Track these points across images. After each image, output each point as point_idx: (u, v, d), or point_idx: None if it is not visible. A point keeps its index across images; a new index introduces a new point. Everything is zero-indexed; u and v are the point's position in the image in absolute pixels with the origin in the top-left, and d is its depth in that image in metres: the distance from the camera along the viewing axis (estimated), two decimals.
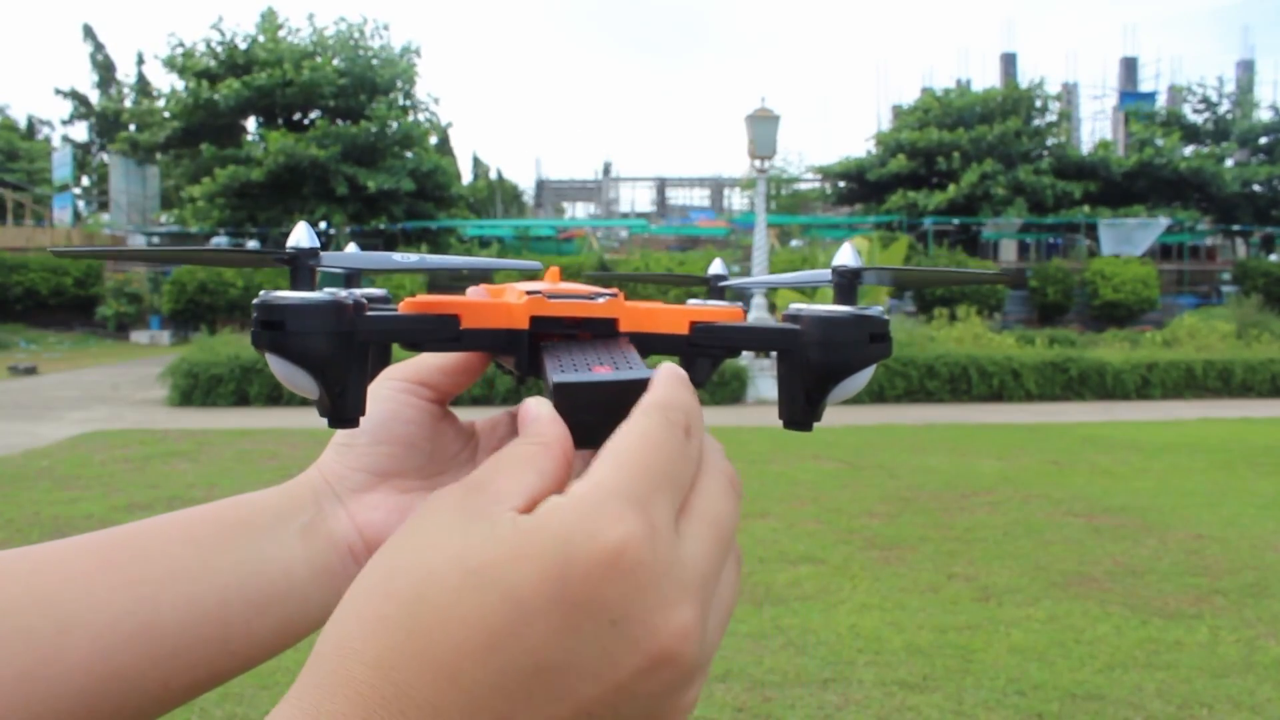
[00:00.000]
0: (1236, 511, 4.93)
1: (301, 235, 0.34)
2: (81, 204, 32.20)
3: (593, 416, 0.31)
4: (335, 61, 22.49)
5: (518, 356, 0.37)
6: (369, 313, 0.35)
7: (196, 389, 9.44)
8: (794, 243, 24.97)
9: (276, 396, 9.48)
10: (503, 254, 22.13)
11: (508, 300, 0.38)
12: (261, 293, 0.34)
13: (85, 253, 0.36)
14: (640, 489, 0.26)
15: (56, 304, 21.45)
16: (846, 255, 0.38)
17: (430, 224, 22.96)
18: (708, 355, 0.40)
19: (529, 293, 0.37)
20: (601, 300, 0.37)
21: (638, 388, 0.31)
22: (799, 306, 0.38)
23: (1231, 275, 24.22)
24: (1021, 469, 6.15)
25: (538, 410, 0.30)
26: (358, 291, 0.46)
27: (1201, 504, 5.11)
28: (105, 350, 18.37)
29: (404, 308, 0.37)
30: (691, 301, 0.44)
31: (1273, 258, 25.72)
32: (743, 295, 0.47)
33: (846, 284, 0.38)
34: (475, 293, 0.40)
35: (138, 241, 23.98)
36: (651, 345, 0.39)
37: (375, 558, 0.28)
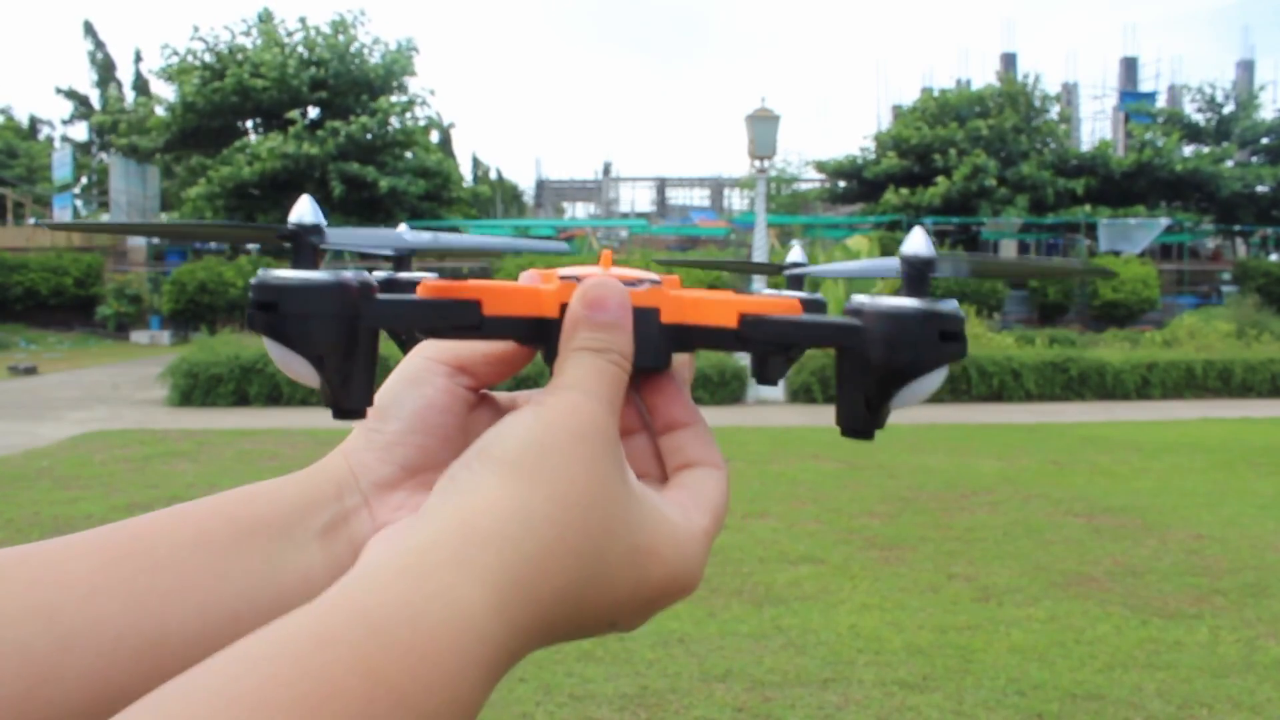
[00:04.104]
0: (1236, 511, 4.93)
1: (305, 210, 0.32)
2: (80, 204, 32.20)
3: None
4: (332, 61, 22.48)
5: (547, 347, 0.34)
6: (380, 295, 0.32)
7: (196, 389, 9.44)
8: (794, 242, 24.95)
9: (276, 396, 9.48)
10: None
11: (541, 285, 0.35)
12: (260, 271, 0.32)
13: (82, 226, 0.34)
14: (713, 541, 0.35)
15: (56, 304, 21.46)
16: (917, 243, 0.34)
17: (432, 224, 22.98)
18: (758, 350, 0.37)
19: (563, 277, 0.35)
20: (644, 288, 0.35)
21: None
22: (861, 299, 0.35)
23: (1231, 275, 24.22)
24: (1021, 469, 6.15)
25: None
26: (418, 273, 0.42)
27: (1201, 504, 5.11)
28: (105, 350, 18.37)
29: (422, 291, 0.34)
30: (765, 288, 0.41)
31: (1273, 258, 25.72)
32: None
33: (916, 275, 0.34)
34: (528, 277, 0.37)
35: (138, 243, 23.98)
36: (698, 338, 0.36)
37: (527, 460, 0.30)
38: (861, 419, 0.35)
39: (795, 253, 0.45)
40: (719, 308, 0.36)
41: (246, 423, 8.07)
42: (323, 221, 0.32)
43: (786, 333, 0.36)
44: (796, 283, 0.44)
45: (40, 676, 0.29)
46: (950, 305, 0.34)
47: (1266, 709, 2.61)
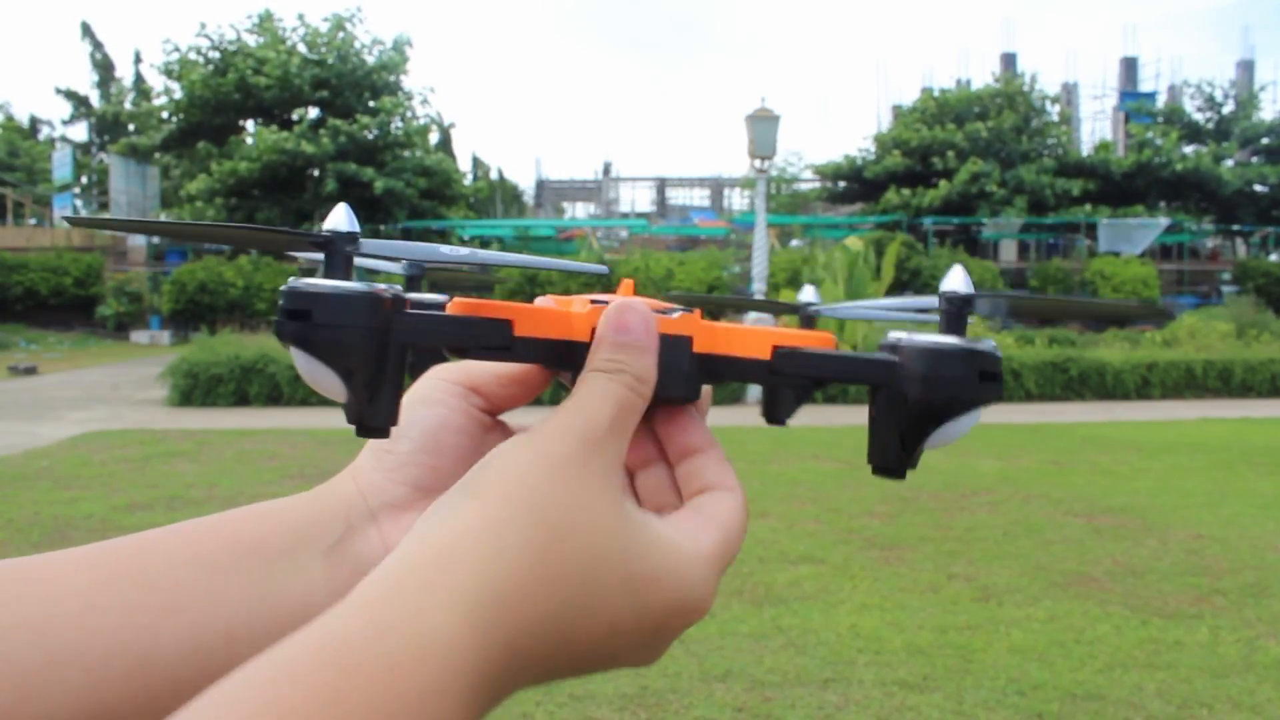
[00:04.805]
0: (1236, 511, 4.93)
1: (340, 219, 0.31)
2: (80, 204, 32.21)
3: None
4: (332, 61, 22.51)
5: (575, 371, 0.33)
6: (411, 310, 0.32)
7: (196, 389, 9.44)
8: (794, 242, 24.98)
9: (276, 396, 9.49)
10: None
11: (571, 309, 0.34)
12: (290, 279, 0.31)
13: (108, 223, 0.33)
14: (724, 563, 0.34)
15: (56, 304, 21.46)
16: (957, 280, 0.34)
17: (431, 224, 22.97)
18: (790, 384, 0.36)
19: (594, 302, 0.34)
20: (675, 315, 0.34)
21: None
22: (899, 335, 0.34)
23: (1231, 275, 24.23)
24: (1021, 469, 6.15)
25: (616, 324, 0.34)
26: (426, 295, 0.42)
27: (1201, 504, 5.11)
28: (105, 350, 18.38)
29: (453, 308, 0.33)
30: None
31: (1273, 258, 25.73)
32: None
33: (955, 312, 0.33)
34: (543, 302, 0.36)
35: (138, 243, 23.98)
36: (729, 370, 0.35)
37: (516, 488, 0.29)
38: (894, 457, 0.35)
39: (808, 293, 0.44)
40: (752, 339, 0.35)
41: (246, 423, 8.07)
42: (359, 230, 0.31)
43: (820, 367, 0.35)
44: (810, 322, 0.43)
45: (29, 690, 0.29)
46: (989, 344, 0.33)
47: (1266, 709, 2.61)
